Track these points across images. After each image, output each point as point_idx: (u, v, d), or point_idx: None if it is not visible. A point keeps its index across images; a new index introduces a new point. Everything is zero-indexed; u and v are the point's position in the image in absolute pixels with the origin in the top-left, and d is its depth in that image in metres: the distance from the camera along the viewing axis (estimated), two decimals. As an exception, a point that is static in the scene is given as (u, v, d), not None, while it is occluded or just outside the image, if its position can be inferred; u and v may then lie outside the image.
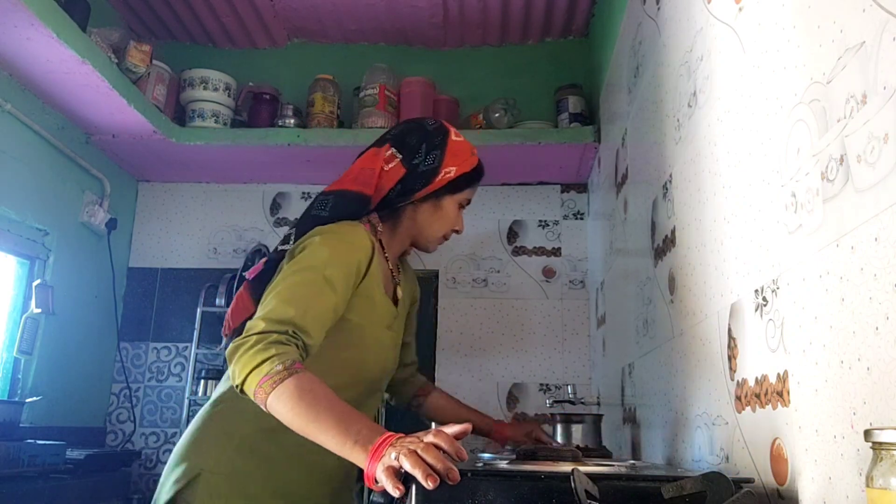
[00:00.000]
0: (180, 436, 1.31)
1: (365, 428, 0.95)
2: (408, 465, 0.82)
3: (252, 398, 1.03)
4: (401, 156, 1.36)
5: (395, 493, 0.84)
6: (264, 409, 1.02)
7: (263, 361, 1.01)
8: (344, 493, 1.34)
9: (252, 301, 1.31)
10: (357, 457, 0.92)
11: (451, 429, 0.90)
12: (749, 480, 0.87)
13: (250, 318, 1.29)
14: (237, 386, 1.05)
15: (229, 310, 1.37)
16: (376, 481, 0.88)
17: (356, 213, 1.34)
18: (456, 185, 1.39)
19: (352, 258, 1.23)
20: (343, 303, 1.21)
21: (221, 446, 1.20)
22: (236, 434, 1.21)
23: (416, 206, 1.39)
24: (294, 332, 1.09)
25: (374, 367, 1.33)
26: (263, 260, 1.35)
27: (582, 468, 0.79)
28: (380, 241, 1.38)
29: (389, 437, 0.91)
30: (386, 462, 0.87)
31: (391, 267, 1.41)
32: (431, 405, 1.63)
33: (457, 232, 1.45)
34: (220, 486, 1.17)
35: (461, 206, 1.44)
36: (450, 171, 1.37)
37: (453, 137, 1.40)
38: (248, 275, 1.35)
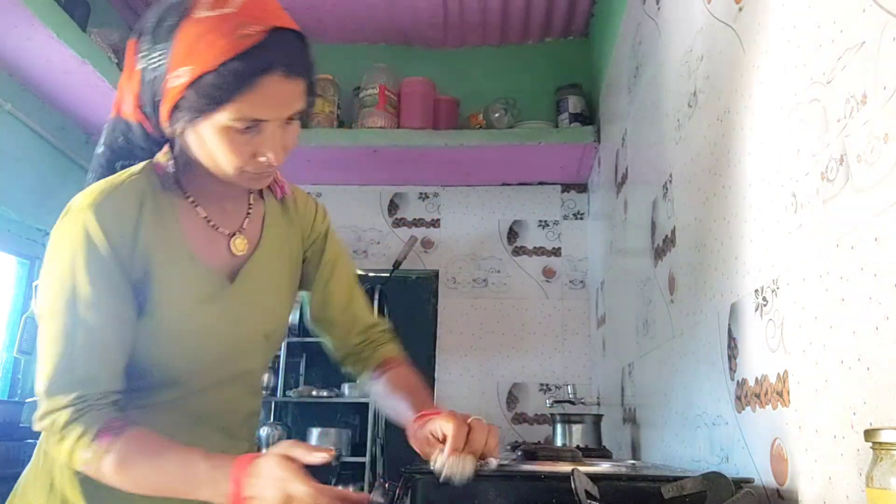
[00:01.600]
0: None
1: (204, 467, 0.81)
2: None
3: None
4: (138, 53, 0.86)
5: None
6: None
7: (72, 451, 0.82)
8: None
9: None
10: (218, 492, 0.78)
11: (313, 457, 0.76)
12: (749, 480, 0.87)
13: None
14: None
15: None
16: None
17: (129, 149, 0.93)
18: (207, 99, 0.80)
19: (99, 247, 0.85)
20: (126, 311, 0.88)
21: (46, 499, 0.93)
22: (57, 486, 0.93)
23: (181, 135, 0.88)
24: (85, 398, 0.83)
25: (200, 353, 0.96)
26: None
27: (582, 468, 0.79)
28: (178, 182, 0.93)
29: (242, 463, 0.78)
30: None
31: (205, 214, 0.95)
32: (379, 390, 1.11)
33: (269, 160, 0.90)
34: None
35: (248, 128, 0.84)
36: (180, 76, 0.80)
37: (197, 14, 0.80)
38: None
